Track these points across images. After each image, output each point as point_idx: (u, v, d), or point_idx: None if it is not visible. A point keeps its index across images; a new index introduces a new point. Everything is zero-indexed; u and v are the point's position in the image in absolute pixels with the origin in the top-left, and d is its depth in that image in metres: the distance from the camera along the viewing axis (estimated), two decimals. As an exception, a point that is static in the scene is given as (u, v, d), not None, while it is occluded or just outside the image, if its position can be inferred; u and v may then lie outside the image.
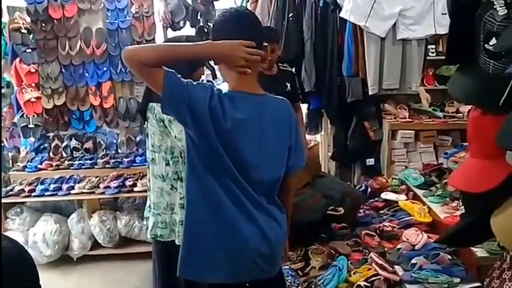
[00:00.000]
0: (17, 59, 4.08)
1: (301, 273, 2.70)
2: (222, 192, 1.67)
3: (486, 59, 1.33)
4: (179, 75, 1.61)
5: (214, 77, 4.09)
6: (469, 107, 3.78)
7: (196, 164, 1.67)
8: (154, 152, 2.44)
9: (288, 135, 1.77)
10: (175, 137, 2.31)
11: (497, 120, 1.25)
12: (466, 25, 1.40)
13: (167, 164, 2.42)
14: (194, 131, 1.62)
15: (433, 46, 4.22)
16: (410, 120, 3.98)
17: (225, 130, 1.61)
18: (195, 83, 1.63)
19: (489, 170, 1.33)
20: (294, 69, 4.16)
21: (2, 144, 4.32)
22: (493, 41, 1.30)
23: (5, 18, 4.18)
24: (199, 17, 4.20)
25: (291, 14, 3.98)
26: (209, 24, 4.17)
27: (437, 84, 4.36)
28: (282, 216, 1.82)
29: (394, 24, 2.89)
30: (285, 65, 3.50)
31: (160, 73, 1.55)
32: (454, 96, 1.50)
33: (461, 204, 2.76)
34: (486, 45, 1.32)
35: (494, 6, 1.30)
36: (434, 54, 4.25)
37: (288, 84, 3.33)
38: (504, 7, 1.27)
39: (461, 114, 4.02)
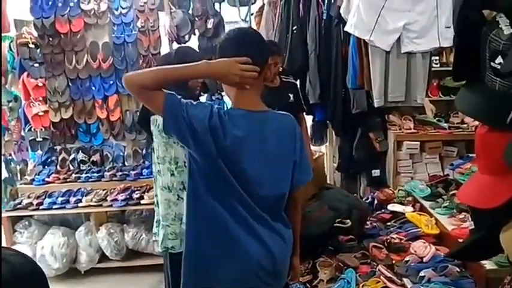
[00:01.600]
0: (25, 73, 4.12)
1: (309, 286, 2.71)
2: (224, 211, 1.69)
3: (492, 76, 1.34)
4: (179, 96, 1.64)
5: (206, 90, 4.13)
6: (474, 118, 3.81)
7: (199, 185, 1.70)
8: (159, 163, 2.49)
9: (293, 151, 1.78)
10: (178, 144, 2.35)
11: (505, 137, 1.27)
12: (472, 43, 1.42)
13: (172, 175, 2.46)
14: (195, 151, 1.65)
15: (437, 57, 4.25)
16: (416, 131, 4.00)
17: (226, 148, 1.64)
18: (194, 102, 1.66)
19: (498, 186, 1.34)
20: (298, 81, 4.20)
21: (10, 157, 4.36)
22: (499, 59, 1.32)
23: (13, 32, 4.23)
24: (209, 26, 4.23)
25: (295, 27, 4.02)
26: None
27: (441, 95, 4.38)
28: (287, 231, 1.83)
29: (399, 37, 2.91)
30: (287, 76, 3.53)
31: (160, 95, 1.60)
32: (462, 112, 1.52)
33: (468, 216, 2.76)
34: (492, 63, 1.34)
35: (500, 26, 1.32)
36: (438, 65, 4.28)
37: (291, 96, 3.36)
38: (509, 26, 1.29)
39: (466, 125, 4.03)
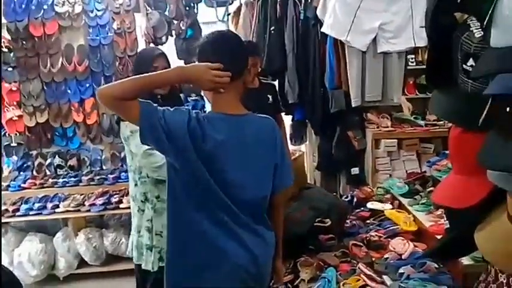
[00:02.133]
0: (-2, 78, 4.04)
1: (290, 286, 2.71)
2: (204, 217, 1.69)
3: (464, 78, 1.37)
4: (155, 104, 1.63)
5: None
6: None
7: (178, 193, 1.70)
8: (128, 171, 2.50)
9: (273, 154, 1.79)
10: (132, 152, 2.33)
11: (477, 139, 1.29)
12: (444, 46, 1.44)
13: (135, 185, 2.45)
14: (175, 158, 1.65)
15: (413, 56, 4.31)
16: (393, 129, 4.04)
17: (206, 151, 1.64)
18: (172, 109, 1.65)
19: (471, 186, 1.37)
20: (277, 82, 4.22)
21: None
22: (471, 61, 1.34)
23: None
24: (182, 27, 4.21)
25: (272, 28, 4.03)
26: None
27: (418, 93, 4.45)
28: (269, 234, 1.84)
29: (375, 38, 2.95)
30: (265, 78, 3.54)
31: (134, 105, 1.59)
32: (436, 115, 1.54)
33: (445, 217, 2.81)
34: (464, 65, 1.36)
35: (471, 29, 1.34)
36: (414, 64, 4.35)
37: (270, 97, 3.37)
38: (480, 29, 1.32)
39: (442, 122, 4.08)
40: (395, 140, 3.98)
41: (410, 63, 4.12)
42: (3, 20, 3.95)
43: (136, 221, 2.49)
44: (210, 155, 1.65)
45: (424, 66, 3.85)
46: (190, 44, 4.12)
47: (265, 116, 1.85)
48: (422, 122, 4.12)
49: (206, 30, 4.57)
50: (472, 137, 1.34)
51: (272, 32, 4.00)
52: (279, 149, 1.80)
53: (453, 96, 1.45)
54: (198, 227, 1.70)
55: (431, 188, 3.20)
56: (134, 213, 2.49)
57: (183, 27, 4.18)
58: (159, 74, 1.72)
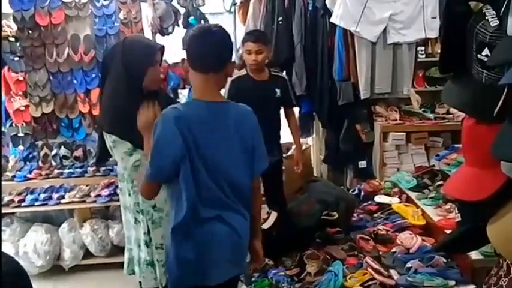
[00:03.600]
0: (5, 68, 4.02)
1: (296, 279, 2.70)
2: (196, 197, 1.82)
3: (479, 68, 1.33)
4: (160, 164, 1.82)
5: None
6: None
7: (173, 181, 1.85)
8: (120, 181, 2.42)
9: (250, 140, 1.90)
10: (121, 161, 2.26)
11: (492, 130, 1.25)
12: (459, 35, 1.40)
13: (129, 195, 2.37)
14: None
15: (423, 48, 4.24)
16: (402, 122, 4.00)
17: (193, 141, 1.79)
18: (159, 143, 1.80)
19: (484, 178, 1.33)
20: (284, 73, 4.17)
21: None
22: (486, 51, 1.31)
23: (-9, 26, 4.12)
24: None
25: (280, 18, 3.98)
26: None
27: (427, 86, 4.39)
28: (246, 212, 1.95)
29: (385, 28, 2.90)
30: (277, 70, 3.49)
31: (156, 184, 1.88)
32: (449, 105, 1.50)
33: (455, 206, 2.77)
34: (479, 55, 1.32)
35: (486, 17, 1.30)
36: (424, 56, 4.28)
37: (278, 91, 3.26)
38: (496, 18, 1.28)
39: (451, 115, 4.04)
40: (404, 133, 3.94)
41: (420, 56, 4.05)
42: (10, 9, 3.93)
43: (134, 233, 2.39)
44: (196, 142, 1.80)
45: (434, 59, 3.82)
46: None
47: (243, 105, 1.95)
48: (431, 115, 4.07)
49: (213, 21, 4.54)
50: (486, 128, 1.30)
51: (280, 22, 3.95)
52: (256, 136, 1.92)
53: (467, 86, 1.41)
54: (191, 206, 1.82)
55: (440, 182, 3.16)
56: (132, 226, 2.39)
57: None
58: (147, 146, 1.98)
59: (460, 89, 1.44)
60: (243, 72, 3.29)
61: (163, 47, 2.40)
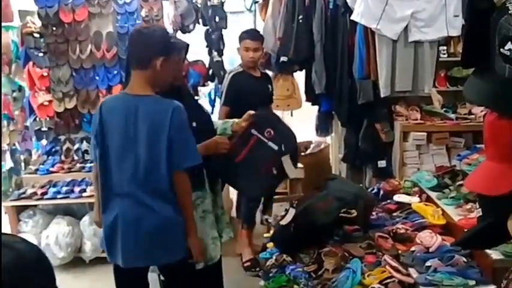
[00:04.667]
0: (30, 63, 4.11)
1: (314, 276, 2.69)
2: (104, 181, 2.05)
3: (502, 63, 1.32)
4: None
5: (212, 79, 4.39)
6: (482, 108, 3.77)
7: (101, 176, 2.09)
8: None
9: (164, 133, 1.96)
10: None
11: (514, 124, 1.25)
12: (481, 29, 1.39)
13: None
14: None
15: (445, 47, 4.21)
16: (422, 122, 3.96)
17: (106, 129, 2.01)
18: (92, 124, 2.19)
19: (506, 173, 1.32)
20: (304, 72, 4.21)
21: (15, 147, 4.36)
22: (509, 45, 1.30)
23: (17, 22, 4.22)
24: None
25: (300, 16, 3.98)
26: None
27: (449, 86, 4.35)
28: (166, 206, 2.03)
29: (406, 26, 2.87)
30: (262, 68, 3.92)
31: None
32: (470, 100, 1.50)
33: (476, 206, 2.74)
34: (501, 49, 1.31)
35: (510, 12, 1.29)
36: (446, 56, 4.24)
37: (270, 86, 3.74)
38: (520, 12, 1.27)
39: (473, 116, 3.99)
40: (425, 133, 3.90)
41: (442, 55, 4.02)
42: (35, 7, 4.02)
43: None
44: (107, 131, 2.01)
45: (456, 59, 3.78)
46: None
47: (168, 100, 2.02)
48: (453, 116, 4.03)
49: (233, 20, 4.57)
50: (508, 122, 1.29)
51: (300, 21, 3.96)
52: (173, 131, 1.97)
53: (489, 81, 1.40)
54: (105, 191, 2.07)
55: (460, 182, 3.12)
56: None
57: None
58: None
59: (482, 83, 1.43)
60: (239, 68, 3.60)
61: (188, 45, 2.44)
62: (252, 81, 3.55)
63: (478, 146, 3.55)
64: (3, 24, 4.27)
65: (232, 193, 4.27)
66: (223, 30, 4.27)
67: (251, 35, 3.59)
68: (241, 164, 2.44)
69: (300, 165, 4.09)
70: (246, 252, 3.68)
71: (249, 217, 3.75)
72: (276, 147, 2.44)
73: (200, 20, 4.25)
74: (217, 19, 4.21)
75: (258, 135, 2.45)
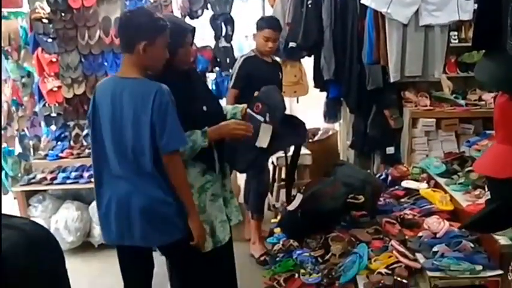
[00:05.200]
0: (39, 49, 4.11)
1: (321, 260, 2.70)
2: (100, 164, 2.11)
3: (513, 44, 1.30)
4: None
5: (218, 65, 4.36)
6: (492, 94, 3.73)
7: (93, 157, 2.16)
8: None
9: (147, 115, 1.97)
10: None
11: (525, 106, 1.23)
12: (493, 10, 1.38)
13: None
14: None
15: (455, 33, 4.15)
16: (432, 108, 3.92)
17: (97, 110, 2.07)
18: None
19: (515, 155, 1.31)
20: (313, 57, 4.18)
21: (23, 133, 4.40)
22: (521, 26, 1.27)
23: (25, 8, 4.22)
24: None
25: (309, 1, 3.95)
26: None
27: (459, 72, 4.30)
28: (155, 190, 2.06)
29: (417, 10, 2.84)
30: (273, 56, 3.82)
31: None
32: (481, 81, 1.48)
33: (484, 191, 2.72)
34: (513, 30, 1.29)
35: (523, -8, 1.27)
36: (457, 41, 4.19)
37: (280, 74, 3.68)
38: (533, -8, 1.24)
39: (483, 102, 3.94)
40: (434, 120, 3.86)
41: (452, 41, 3.97)
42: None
43: None
44: (98, 112, 2.07)
45: (467, 44, 3.73)
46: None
47: (154, 83, 2.02)
48: (462, 102, 3.98)
49: (241, 5, 4.55)
50: (519, 104, 1.27)
51: (309, 5, 3.93)
52: (156, 114, 1.96)
53: (500, 63, 1.38)
54: (96, 171, 2.15)
55: (469, 168, 3.09)
56: None
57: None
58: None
59: (494, 65, 1.41)
60: (252, 53, 3.53)
61: (194, 28, 2.41)
62: (264, 66, 3.50)
63: (487, 132, 3.51)
64: (12, 10, 4.30)
65: (240, 179, 4.28)
66: (230, 15, 4.24)
67: (272, 24, 3.47)
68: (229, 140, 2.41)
69: (307, 151, 4.11)
70: (258, 248, 3.66)
71: (258, 206, 3.72)
72: (262, 119, 2.41)
73: (209, 5, 4.22)
74: (222, 3, 4.17)
75: (248, 110, 2.45)
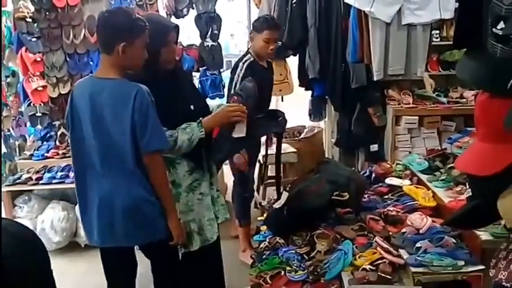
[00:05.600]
0: (23, 48, 4.08)
1: (306, 258, 2.73)
2: (81, 164, 2.11)
3: (494, 42, 1.34)
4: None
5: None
6: (473, 92, 3.80)
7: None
8: None
9: (128, 117, 1.98)
10: None
11: (505, 104, 1.27)
12: (474, 9, 1.41)
13: None
14: None
15: (437, 31, 4.22)
16: (414, 106, 3.99)
17: (75, 110, 2.06)
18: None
19: (496, 153, 1.35)
20: (297, 56, 4.20)
21: (9, 133, 4.35)
22: (501, 24, 1.31)
23: (10, 7, 4.18)
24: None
25: (294, 0, 3.98)
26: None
27: (441, 70, 4.37)
28: (136, 189, 2.07)
29: (399, 9, 2.89)
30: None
31: None
32: (462, 79, 1.52)
33: (465, 188, 2.78)
34: (494, 29, 1.33)
35: (502, -10, 1.30)
36: (438, 40, 4.25)
37: (273, 76, 3.62)
38: (512, -9, 1.28)
39: (465, 100, 4.02)
40: (417, 117, 3.93)
41: (434, 39, 4.03)
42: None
43: None
44: (76, 113, 2.06)
45: (449, 42, 3.78)
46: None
47: (133, 83, 2.02)
48: (444, 99, 4.05)
49: (226, 4, 4.56)
50: (500, 102, 1.31)
51: (294, 4, 3.96)
52: (137, 115, 1.98)
53: (481, 61, 1.42)
54: (81, 180, 2.14)
55: (451, 165, 3.16)
56: None
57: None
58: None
59: (474, 63, 1.45)
60: (250, 57, 3.36)
61: (177, 26, 2.39)
62: (263, 72, 3.39)
63: (468, 129, 3.59)
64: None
65: (227, 178, 4.30)
66: (216, 13, 4.23)
67: (272, 24, 3.28)
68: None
69: (293, 149, 4.15)
70: (249, 255, 3.66)
71: (244, 211, 3.69)
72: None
73: (194, 5, 4.22)
74: (205, 2, 4.16)
75: None
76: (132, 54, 2.02)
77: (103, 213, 2.10)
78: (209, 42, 4.23)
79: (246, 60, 3.35)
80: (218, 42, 4.27)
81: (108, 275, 2.32)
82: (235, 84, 3.25)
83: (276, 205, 2.94)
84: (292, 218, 2.90)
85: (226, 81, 3.87)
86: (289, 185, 3.10)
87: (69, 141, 4.05)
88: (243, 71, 3.28)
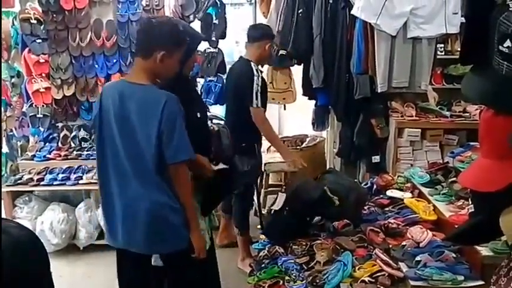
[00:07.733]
0: (26, 49, 4.09)
1: (305, 268, 2.73)
2: (107, 166, 2.09)
3: (500, 60, 1.34)
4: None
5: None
6: (476, 106, 3.80)
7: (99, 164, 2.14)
8: None
9: (155, 125, 1.96)
10: None
11: (510, 121, 1.27)
12: (481, 26, 1.42)
13: None
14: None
15: (442, 45, 4.23)
16: (417, 118, 3.98)
17: (104, 113, 2.06)
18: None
19: (500, 169, 1.34)
20: (302, 66, 4.22)
21: (12, 133, 4.36)
22: (507, 42, 1.32)
23: (17, 8, 4.20)
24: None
25: (300, 10, 4.00)
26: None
27: (445, 83, 4.37)
28: (161, 197, 2.05)
29: (405, 22, 2.90)
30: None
31: None
32: (467, 96, 1.52)
33: (467, 203, 2.77)
34: (500, 46, 1.34)
35: (510, 9, 1.31)
36: (443, 54, 4.27)
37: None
38: (519, 10, 1.29)
39: (468, 114, 4.02)
40: (419, 130, 3.92)
41: (439, 53, 4.04)
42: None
43: None
44: (105, 116, 2.05)
45: (453, 57, 3.80)
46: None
47: (163, 91, 2.02)
48: (447, 113, 4.05)
49: (233, 12, 4.58)
50: (504, 119, 1.31)
51: (300, 14, 3.98)
52: (164, 124, 1.97)
53: (487, 78, 1.42)
54: (102, 177, 2.14)
55: (453, 179, 3.15)
56: None
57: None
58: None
59: (480, 80, 1.45)
60: (255, 66, 3.41)
61: (202, 38, 2.48)
62: (264, 80, 3.51)
63: (471, 143, 3.58)
64: (4, 9, 4.26)
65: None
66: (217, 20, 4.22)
67: (271, 32, 3.47)
68: None
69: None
70: (248, 264, 3.65)
71: (243, 223, 3.69)
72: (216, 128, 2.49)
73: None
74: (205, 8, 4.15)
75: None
76: (169, 64, 2.03)
77: (127, 218, 2.08)
78: (210, 49, 4.24)
79: (257, 70, 3.40)
80: (218, 48, 4.27)
81: (120, 279, 2.30)
82: (253, 94, 3.29)
83: (275, 207, 2.93)
84: (293, 216, 2.89)
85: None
86: (285, 187, 3.08)
87: (75, 142, 4.13)
88: (259, 81, 3.33)
